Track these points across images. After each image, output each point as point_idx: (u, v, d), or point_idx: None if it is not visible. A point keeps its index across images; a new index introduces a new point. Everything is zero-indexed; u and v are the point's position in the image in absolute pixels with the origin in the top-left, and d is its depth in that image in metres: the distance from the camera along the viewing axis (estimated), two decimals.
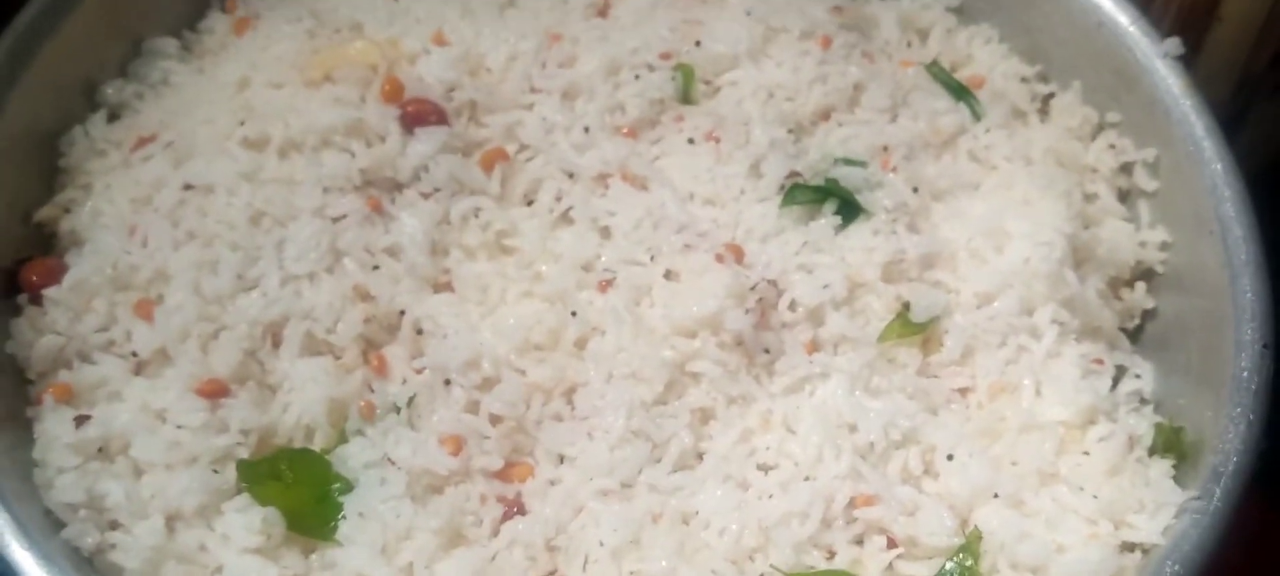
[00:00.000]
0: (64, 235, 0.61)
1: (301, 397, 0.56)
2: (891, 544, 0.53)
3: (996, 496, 0.53)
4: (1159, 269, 0.63)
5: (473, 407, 0.56)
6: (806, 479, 0.54)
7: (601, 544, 0.52)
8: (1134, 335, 0.63)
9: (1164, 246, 0.63)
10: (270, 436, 0.55)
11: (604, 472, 0.54)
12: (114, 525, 0.52)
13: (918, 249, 0.60)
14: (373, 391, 0.56)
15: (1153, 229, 0.64)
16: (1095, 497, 0.53)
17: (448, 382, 0.56)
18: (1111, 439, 0.55)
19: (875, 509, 0.53)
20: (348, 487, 0.54)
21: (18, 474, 0.51)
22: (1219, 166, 0.61)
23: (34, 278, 0.58)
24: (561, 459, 0.55)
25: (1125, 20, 0.65)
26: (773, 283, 0.58)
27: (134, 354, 0.57)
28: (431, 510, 0.53)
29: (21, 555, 0.47)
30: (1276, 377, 0.55)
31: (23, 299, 0.58)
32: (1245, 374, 0.55)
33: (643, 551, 0.52)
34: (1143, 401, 0.58)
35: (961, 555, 0.52)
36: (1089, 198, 0.64)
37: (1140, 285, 0.63)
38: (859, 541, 0.53)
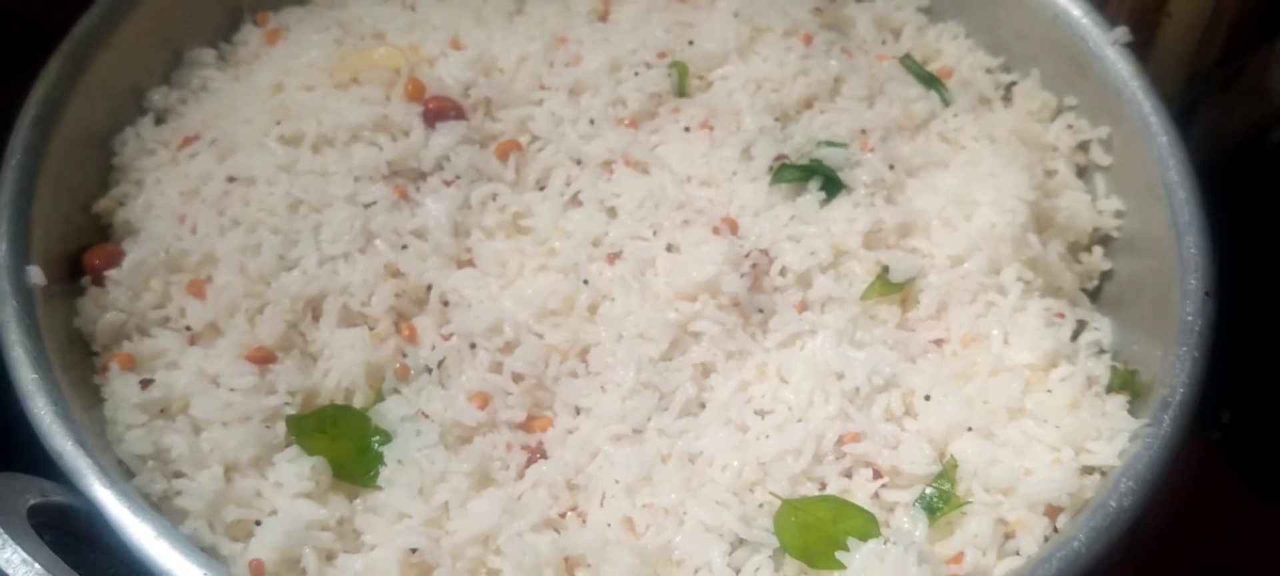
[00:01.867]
0: (119, 225, 0.67)
1: (340, 363, 0.61)
2: (877, 474, 0.58)
3: (970, 429, 0.59)
4: (1114, 234, 0.69)
5: (496, 368, 0.61)
6: (799, 421, 0.59)
7: (616, 482, 0.58)
8: (1093, 294, 0.68)
9: (1118, 214, 0.69)
10: (314, 397, 0.61)
11: (617, 420, 0.60)
12: (178, 475, 0.57)
13: (894, 218, 0.66)
14: (406, 356, 0.62)
15: (1108, 198, 0.70)
16: (1058, 428, 0.59)
17: (473, 347, 0.62)
18: (1072, 379, 0.61)
19: (861, 444, 0.59)
20: (387, 439, 0.59)
21: (93, 429, 0.57)
22: (1165, 139, 0.67)
23: (96, 262, 0.63)
24: (578, 410, 0.61)
25: (1078, 13, 0.71)
26: (764, 251, 0.64)
27: (188, 327, 0.62)
28: (463, 457, 0.59)
29: (104, 494, 0.53)
30: (1217, 321, 0.61)
31: (86, 281, 0.64)
32: (1190, 318, 0.61)
33: (654, 487, 0.58)
34: (1101, 350, 0.64)
35: (940, 480, 0.58)
36: (1049, 173, 0.70)
37: (1098, 249, 0.69)
38: (848, 473, 0.59)
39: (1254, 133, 0.99)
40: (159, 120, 0.70)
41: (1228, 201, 0.68)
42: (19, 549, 0.46)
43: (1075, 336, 0.64)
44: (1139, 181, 0.68)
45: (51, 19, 0.69)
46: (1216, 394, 0.86)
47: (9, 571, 0.46)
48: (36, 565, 0.46)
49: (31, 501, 0.49)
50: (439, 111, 0.68)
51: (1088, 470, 0.58)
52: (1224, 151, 0.97)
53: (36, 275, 0.60)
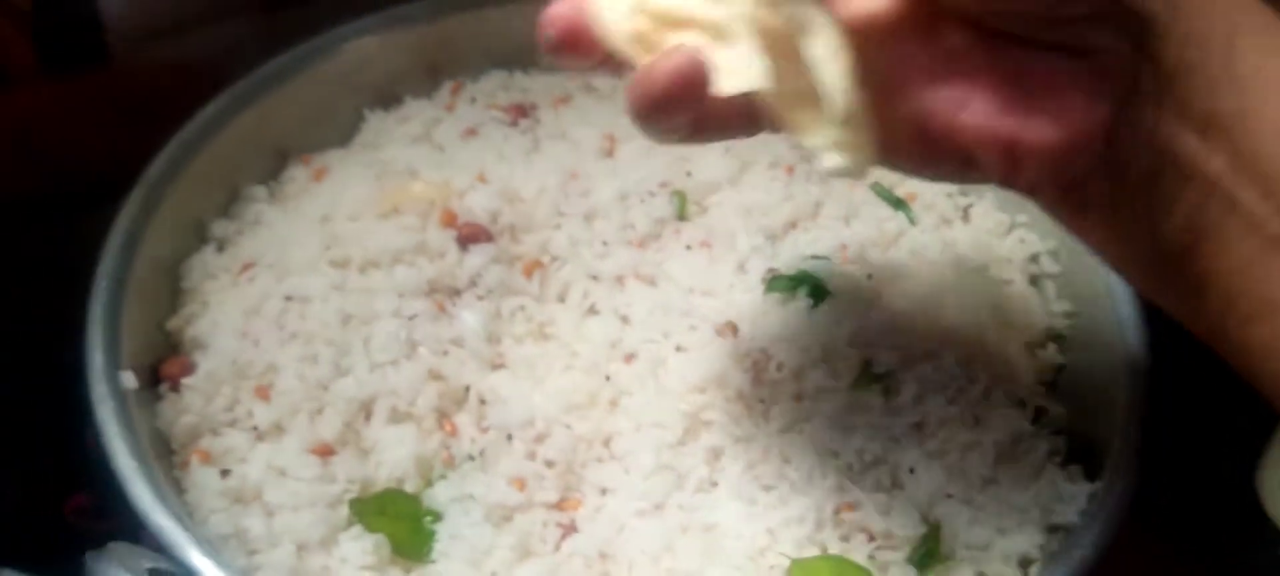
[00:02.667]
0: (188, 340, 0.74)
1: (391, 455, 0.69)
2: (871, 537, 0.66)
3: (949, 496, 0.67)
4: (1065, 332, 0.79)
5: (531, 455, 0.69)
6: (801, 494, 0.67)
7: (642, 552, 0.66)
8: (1051, 386, 0.78)
9: (1067, 314, 0.79)
10: (371, 484, 0.68)
11: (640, 498, 0.68)
12: (254, 552, 0.65)
13: (874, 320, 0.75)
14: (449, 448, 0.70)
15: (1058, 302, 0.79)
16: (1025, 492, 0.68)
17: (510, 438, 0.70)
18: (1035, 452, 0.70)
19: (856, 512, 0.67)
20: (437, 518, 0.67)
21: (182, 512, 0.64)
22: None
23: (173, 371, 0.71)
24: (604, 491, 0.69)
25: None
26: (763, 350, 0.73)
27: (255, 427, 0.70)
28: (506, 532, 0.66)
29: (201, 561, 0.60)
30: (1154, 396, 0.71)
31: (163, 388, 0.72)
32: (1133, 398, 0.70)
33: (675, 555, 0.66)
34: (1058, 431, 0.73)
35: (926, 540, 0.66)
36: (1006, 281, 0.80)
37: (1052, 345, 0.78)
38: (846, 537, 0.67)
39: None
40: (220, 249, 0.79)
41: (1150, 313, 0.78)
42: None
43: (1036, 419, 0.73)
44: (1084, 286, 0.78)
45: (114, 170, 0.78)
46: (1158, 493, 0.97)
47: None
48: None
49: (148, 565, 0.57)
50: (470, 236, 0.77)
51: (1052, 528, 0.67)
52: None
53: (129, 379, 0.68)
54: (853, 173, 0.50)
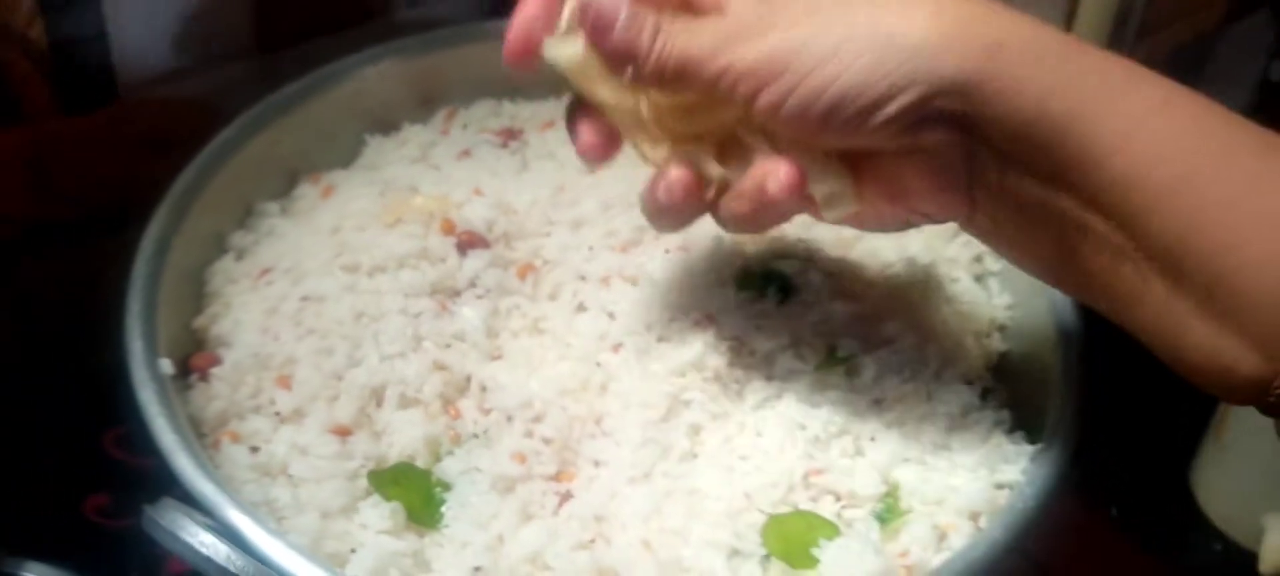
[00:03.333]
0: (213, 338, 0.81)
1: (402, 436, 0.76)
2: (838, 498, 0.74)
3: (907, 460, 0.75)
4: (1008, 323, 0.87)
5: (530, 434, 0.76)
6: (774, 462, 0.75)
7: (633, 514, 0.73)
8: (996, 371, 0.86)
9: (1009, 306, 0.88)
10: (385, 460, 0.75)
11: (629, 468, 0.75)
12: (283, 519, 0.72)
13: (836, 312, 0.83)
14: (455, 428, 0.78)
15: (1001, 295, 0.88)
16: (974, 455, 0.76)
17: (510, 419, 0.77)
18: (983, 422, 0.78)
19: (824, 476, 0.74)
20: (447, 488, 0.74)
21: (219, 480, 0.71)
22: None
23: (201, 364, 0.78)
24: (597, 463, 0.75)
25: None
26: (737, 338, 0.81)
27: (278, 413, 0.77)
28: (509, 500, 0.73)
29: (241, 519, 0.66)
30: (1086, 374, 0.79)
31: (193, 379, 0.79)
32: (1068, 371, 0.78)
33: (663, 516, 0.72)
34: (1003, 405, 0.81)
35: (887, 498, 0.74)
36: (953, 279, 0.89)
37: (996, 334, 0.87)
38: (815, 499, 0.74)
39: None
40: (239, 257, 0.86)
41: (1094, 327, 0.86)
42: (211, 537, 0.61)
43: (983, 397, 0.81)
44: (1022, 280, 0.86)
45: (125, 199, 0.85)
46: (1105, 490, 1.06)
47: (206, 549, 0.60)
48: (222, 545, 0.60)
49: (198, 518, 0.64)
50: (469, 243, 0.85)
51: (999, 486, 0.75)
52: None
53: (167, 365, 0.74)
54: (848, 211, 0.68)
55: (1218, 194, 0.59)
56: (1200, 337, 0.61)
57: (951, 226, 0.89)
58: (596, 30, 0.66)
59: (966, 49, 0.60)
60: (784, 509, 0.73)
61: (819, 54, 0.61)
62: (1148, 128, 0.60)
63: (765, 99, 0.63)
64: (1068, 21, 0.93)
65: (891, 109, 0.60)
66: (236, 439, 0.75)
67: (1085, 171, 0.60)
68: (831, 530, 0.72)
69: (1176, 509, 1.13)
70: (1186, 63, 1.04)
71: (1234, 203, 0.59)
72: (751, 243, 0.87)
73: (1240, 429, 1.06)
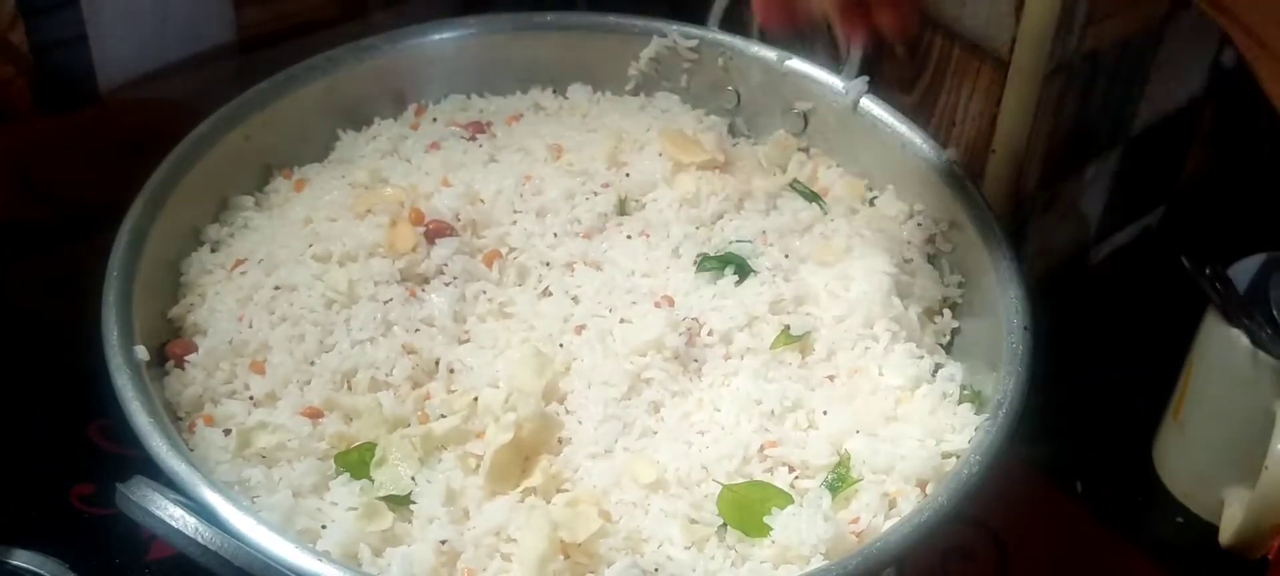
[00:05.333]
0: (189, 326, 0.84)
1: (372, 417, 0.79)
2: (791, 469, 0.77)
3: (857, 432, 0.78)
4: (958, 300, 0.90)
5: (495, 414, 0.79)
6: (730, 436, 0.77)
7: (594, 486, 0.76)
8: (947, 348, 0.89)
9: (960, 285, 0.90)
10: (355, 441, 0.78)
11: (592, 444, 0.77)
12: (256, 497, 0.74)
13: (791, 292, 0.86)
14: (423, 409, 0.80)
15: (952, 275, 0.91)
16: (922, 426, 0.78)
17: (475, 399, 0.80)
18: (931, 395, 0.81)
19: (778, 449, 0.77)
20: (416, 466, 0.77)
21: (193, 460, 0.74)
22: (990, 227, 0.88)
23: (177, 351, 0.81)
24: (561, 440, 0.79)
25: (919, 141, 0.94)
26: (695, 319, 0.84)
27: (251, 397, 0.80)
28: (474, 476, 0.76)
29: (214, 498, 0.69)
30: (1031, 349, 0.81)
31: (169, 365, 0.81)
32: (1014, 346, 0.81)
33: (623, 489, 0.75)
34: (952, 380, 0.84)
35: (838, 468, 0.77)
36: (907, 260, 0.91)
37: (948, 312, 0.90)
38: (770, 470, 0.77)
39: (1076, 252, 1.21)
40: (214, 249, 0.89)
41: (1056, 315, 0.89)
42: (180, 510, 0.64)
43: (933, 373, 0.84)
44: (972, 260, 0.89)
45: (105, 199, 0.87)
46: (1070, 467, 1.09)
47: (175, 522, 0.63)
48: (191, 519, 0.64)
49: (172, 497, 0.66)
50: (437, 231, 0.88)
51: (946, 454, 0.78)
52: (1051, 269, 1.19)
53: (142, 352, 0.77)
54: None
55: None
56: None
57: (906, 209, 0.93)
58: None
59: None
60: (739, 480, 0.76)
61: None
62: None
63: None
64: (1017, 6, 0.95)
65: None
66: (211, 422, 0.78)
67: None
68: (784, 499, 0.75)
69: (1139, 483, 1.16)
70: (1136, 50, 1.06)
71: None
72: (712, 227, 0.90)
73: (1196, 407, 1.09)
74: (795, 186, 0.96)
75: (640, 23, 1.03)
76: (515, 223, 0.90)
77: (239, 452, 0.76)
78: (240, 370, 0.81)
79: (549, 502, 0.75)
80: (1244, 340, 0.95)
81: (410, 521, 0.74)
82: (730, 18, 1.02)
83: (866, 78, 0.97)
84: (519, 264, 0.87)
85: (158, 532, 0.65)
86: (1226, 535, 1.06)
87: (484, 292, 0.86)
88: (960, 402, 0.81)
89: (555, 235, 0.89)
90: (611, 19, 1.03)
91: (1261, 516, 0.92)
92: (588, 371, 0.81)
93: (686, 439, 0.78)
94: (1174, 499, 1.14)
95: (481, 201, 0.91)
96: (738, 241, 0.89)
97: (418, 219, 0.88)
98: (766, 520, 0.73)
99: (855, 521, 0.74)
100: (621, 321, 0.84)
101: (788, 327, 0.84)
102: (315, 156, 0.97)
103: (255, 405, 0.79)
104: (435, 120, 1.00)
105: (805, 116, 1.00)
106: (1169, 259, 1.06)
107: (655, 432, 0.79)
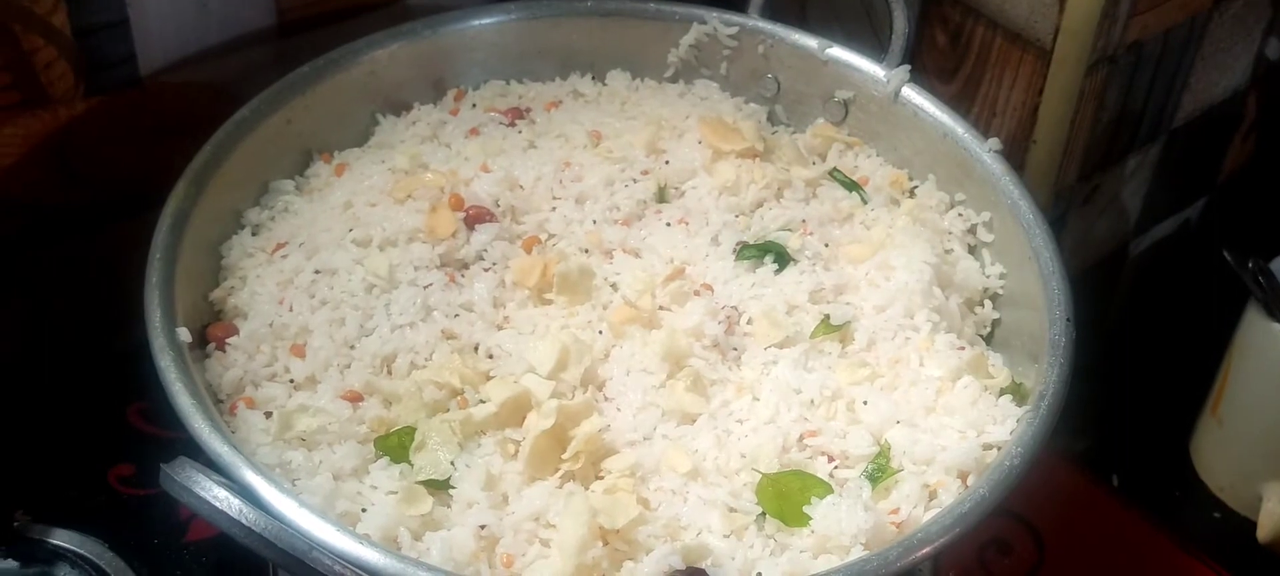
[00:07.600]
0: (230, 309, 0.84)
1: (412, 401, 0.79)
2: (830, 459, 0.77)
3: (898, 422, 0.78)
4: (1000, 291, 0.89)
5: (535, 399, 0.79)
6: (770, 424, 0.78)
7: (633, 474, 0.76)
8: (987, 339, 0.89)
9: (1001, 276, 0.90)
10: (395, 425, 0.79)
11: (630, 431, 0.77)
12: (296, 479, 0.75)
13: (831, 281, 0.86)
14: (463, 393, 0.80)
15: (993, 265, 0.90)
16: (963, 418, 0.78)
17: (516, 384, 0.80)
18: (972, 387, 0.80)
19: (818, 438, 0.77)
20: (455, 451, 0.77)
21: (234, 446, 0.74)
22: (1031, 216, 0.87)
23: (219, 333, 0.82)
24: (599, 427, 0.78)
25: (961, 131, 0.93)
26: (735, 307, 0.84)
27: (292, 380, 0.80)
28: (514, 462, 0.76)
29: (256, 480, 0.69)
30: (1073, 341, 0.81)
31: (210, 348, 0.82)
32: (1056, 337, 0.80)
33: (662, 476, 0.75)
34: (992, 371, 0.84)
35: (878, 459, 0.76)
36: (947, 250, 0.91)
37: (988, 303, 0.89)
38: (810, 459, 0.77)
39: (1116, 244, 1.21)
40: (254, 233, 0.89)
41: (1095, 307, 0.89)
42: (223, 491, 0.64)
43: (974, 363, 0.84)
44: (1014, 250, 0.88)
45: (146, 182, 0.88)
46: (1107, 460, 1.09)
47: (220, 503, 0.64)
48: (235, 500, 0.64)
49: (212, 475, 0.67)
50: (477, 217, 0.88)
51: (987, 446, 0.77)
52: (1090, 262, 1.18)
53: (185, 333, 0.77)
54: None
55: None
56: None
57: (947, 199, 0.92)
58: None
59: None
60: (778, 469, 0.76)
61: None
62: None
63: None
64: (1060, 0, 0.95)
65: None
66: (252, 405, 0.78)
67: None
68: (824, 488, 0.74)
69: (1176, 478, 1.15)
70: (1179, 41, 1.05)
71: None
72: (751, 216, 0.90)
73: (1235, 402, 1.08)
74: (835, 175, 0.95)
75: (681, 9, 1.02)
76: (554, 209, 0.90)
77: (280, 435, 0.76)
78: (280, 353, 0.81)
79: (588, 488, 0.75)
80: None
81: (449, 506, 0.74)
82: (771, 5, 1.01)
83: (907, 66, 0.96)
84: (558, 250, 0.87)
85: (200, 513, 0.65)
86: (1265, 531, 1.06)
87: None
88: (1001, 394, 0.81)
89: (594, 221, 0.89)
90: (652, 5, 1.03)
91: None
92: (626, 358, 0.81)
93: (726, 427, 0.78)
94: (1211, 494, 1.14)
95: (521, 187, 0.91)
96: (778, 229, 0.89)
97: (457, 204, 0.88)
98: (806, 509, 0.73)
99: (895, 512, 0.74)
100: (660, 308, 0.83)
101: (827, 317, 0.83)
102: (355, 141, 0.97)
103: (296, 388, 0.79)
104: (474, 106, 1.00)
105: (846, 105, 0.99)
106: (1209, 252, 1.05)
107: (694, 421, 0.79)
